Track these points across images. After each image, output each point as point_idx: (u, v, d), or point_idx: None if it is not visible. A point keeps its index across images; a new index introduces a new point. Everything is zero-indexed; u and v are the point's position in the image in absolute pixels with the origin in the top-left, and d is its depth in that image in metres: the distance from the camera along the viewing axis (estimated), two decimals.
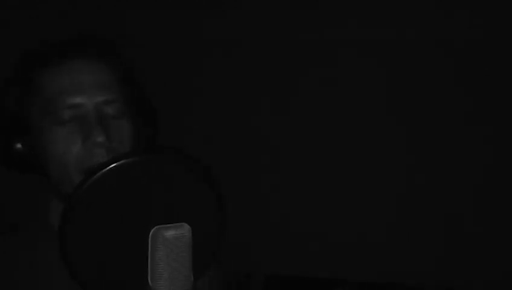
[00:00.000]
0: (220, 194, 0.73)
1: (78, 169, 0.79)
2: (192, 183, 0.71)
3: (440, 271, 1.86)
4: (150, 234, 0.66)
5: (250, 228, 1.92)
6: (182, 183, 0.70)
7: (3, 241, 0.87)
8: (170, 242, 0.66)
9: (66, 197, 0.78)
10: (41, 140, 0.81)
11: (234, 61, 1.96)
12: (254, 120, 1.97)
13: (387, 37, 1.85)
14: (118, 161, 0.66)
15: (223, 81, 1.97)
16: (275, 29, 1.93)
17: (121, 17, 1.95)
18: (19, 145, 0.82)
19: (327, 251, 1.91)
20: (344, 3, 1.87)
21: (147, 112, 0.92)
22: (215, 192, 0.72)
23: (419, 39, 1.83)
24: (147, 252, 0.66)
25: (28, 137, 0.83)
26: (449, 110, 1.84)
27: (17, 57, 0.89)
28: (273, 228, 1.95)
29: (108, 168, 0.66)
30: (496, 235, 1.81)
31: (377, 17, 1.85)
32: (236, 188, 1.87)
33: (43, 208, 0.90)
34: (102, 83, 0.82)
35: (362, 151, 1.91)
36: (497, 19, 1.77)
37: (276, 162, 1.97)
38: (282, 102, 1.95)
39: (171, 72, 1.97)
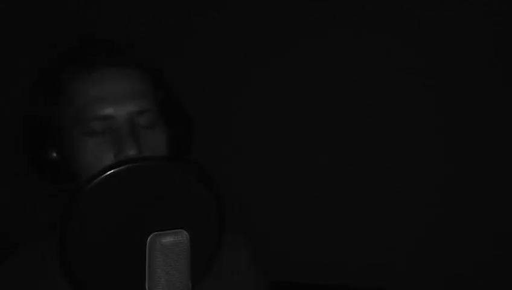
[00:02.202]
0: (218, 200, 0.72)
1: None
2: (191, 190, 0.70)
3: (441, 279, 1.85)
4: (148, 240, 0.66)
5: (251, 234, 1.91)
6: (180, 190, 0.70)
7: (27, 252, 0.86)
8: (168, 249, 0.65)
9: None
10: (73, 150, 0.79)
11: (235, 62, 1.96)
12: (258, 125, 1.97)
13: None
14: (114, 169, 0.66)
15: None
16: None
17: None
18: (54, 154, 0.81)
19: (329, 257, 1.91)
20: None
21: (181, 118, 0.89)
22: (213, 198, 0.72)
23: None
24: (144, 259, 0.66)
25: (60, 146, 0.81)
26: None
27: (41, 61, 0.86)
28: (275, 235, 1.95)
29: (104, 175, 0.66)
30: None
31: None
32: (238, 194, 1.87)
33: None
34: (135, 92, 0.79)
35: (357, 158, 1.91)
36: None
37: (282, 167, 1.97)
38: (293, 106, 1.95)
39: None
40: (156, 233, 0.66)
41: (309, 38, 1.93)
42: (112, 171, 0.66)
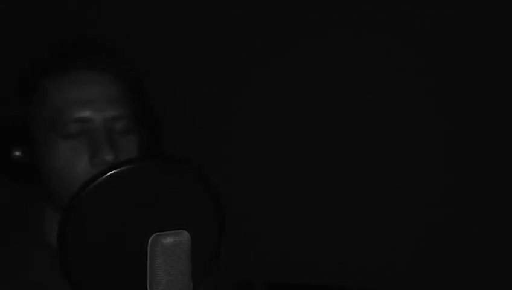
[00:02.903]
0: (218, 201, 0.73)
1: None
2: (191, 190, 0.71)
3: (441, 281, 1.85)
4: (149, 241, 0.66)
5: (251, 235, 1.91)
6: (180, 190, 0.70)
7: None
8: (169, 249, 0.65)
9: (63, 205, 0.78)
10: (44, 151, 0.79)
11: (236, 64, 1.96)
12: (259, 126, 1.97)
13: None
14: (115, 169, 0.66)
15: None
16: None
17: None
18: (17, 153, 0.80)
19: (328, 258, 1.91)
20: None
21: (153, 124, 0.90)
22: (213, 198, 0.72)
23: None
24: (145, 260, 0.66)
25: (29, 146, 0.80)
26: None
27: (20, 61, 0.86)
28: (275, 236, 1.95)
29: (105, 176, 0.66)
30: None
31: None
32: (237, 194, 1.87)
33: (35, 219, 0.87)
34: (112, 97, 0.80)
35: (357, 157, 1.91)
36: None
37: (282, 167, 1.97)
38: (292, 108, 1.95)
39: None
40: (157, 234, 0.66)
41: (309, 38, 1.93)
42: (112, 172, 0.66)
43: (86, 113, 0.77)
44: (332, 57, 1.91)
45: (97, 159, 0.76)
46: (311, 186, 1.94)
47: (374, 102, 1.89)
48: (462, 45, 1.81)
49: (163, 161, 0.74)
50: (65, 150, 0.77)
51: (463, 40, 1.81)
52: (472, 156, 1.84)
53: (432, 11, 1.82)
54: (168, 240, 0.65)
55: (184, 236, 0.66)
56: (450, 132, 1.85)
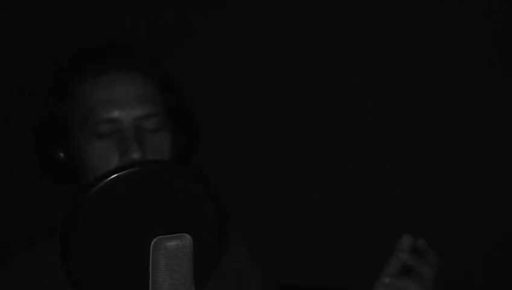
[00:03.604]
0: (220, 204, 0.73)
1: None
2: (193, 193, 0.71)
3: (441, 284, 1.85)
4: (152, 244, 0.66)
5: (257, 237, 1.91)
6: (182, 193, 0.70)
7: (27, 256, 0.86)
8: (171, 252, 0.66)
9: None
10: (80, 151, 0.80)
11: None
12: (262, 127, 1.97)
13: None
14: (116, 174, 0.66)
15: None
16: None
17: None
18: (61, 154, 0.82)
19: (330, 259, 1.91)
20: None
21: (187, 121, 0.90)
22: (215, 201, 0.72)
23: None
24: (148, 262, 0.66)
25: (67, 146, 0.82)
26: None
27: (53, 63, 0.88)
28: (276, 237, 1.95)
29: (109, 178, 0.66)
30: None
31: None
32: (238, 196, 1.87)
33: None
34: (141, 96, 0.81)
35: (357, 157, 1.91)
36: None
37: (282, 167, 1.97)
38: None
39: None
40: (159, 237, 0.66)
41: (309, 38, 1.93)
42: (115, 175, 0.67)
43: (116, 114, 0.79)
44: (332, 57, 1.91)
45: (125, 157, 0.77)
46: (311, 186, 1.94)
47: (374, 102, 1.90)
48: (462, 45, 1.81)
49: (164, 164, 0.75)
50: (97, 150, 0.79)
51: (463, 40, 1.81)
52: (472, 156, 1.84)
53: (432, 11, 1.82)
54: (171, 243, 0.66)
55: (186, 239, 0.66)
56: (450, 132, 1.85)
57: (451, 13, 1.80)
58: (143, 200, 0.68)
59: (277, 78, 1.95)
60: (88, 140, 0.79)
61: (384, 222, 1.89)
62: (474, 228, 1.83)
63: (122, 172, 0.67)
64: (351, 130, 1.92)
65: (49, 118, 0.84)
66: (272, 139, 1.96)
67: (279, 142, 1.96)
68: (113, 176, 0.66)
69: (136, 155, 0.76)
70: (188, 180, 0.71)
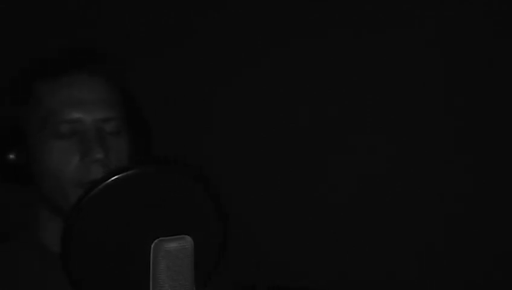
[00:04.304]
0: (221, 205, 0.73)
1: (74, 184, 0.79)
2: (193, 195, 0.71)
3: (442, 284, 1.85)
4: (152, 246, 0.66)
5: (255, 239, 1.91)
6: (182, 194, 0.70)
7: None
8: (172, 254, 0.66)
9: (60, 210, 0.79)
10: (38, 152, 0.81)
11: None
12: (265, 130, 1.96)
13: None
14: (118, 174, 0.67)
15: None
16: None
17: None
18: (12, 156, 0.82)
19: (330, 263, 1.90)
20: None
21: (142, 126, 0.93)
22: (216, 203, 0.72)
23: None
24: (148, 265, 0.66)
25: (23, 148, 0.82)
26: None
27: (16, 62, 0.88)
28: (277, 239, 1.95)
29: (112, 178, 0.66)
30: None
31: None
32: (240, 198, 1.87)
33: (32, 219, 0.89)
34: (102, 99, 0.82)
35: (357, 157, 1.91)
36: None
37: (282, 167, 1.96)
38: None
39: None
40: (160, 239, 0.66)
41: (309, 38, 1.92)
42: (116, 177, 0.67)
43: (77, 115, 0.80)
44: (332, 57, 1.91)
45: (88, 158, 0.78)
46: (312, 187, 1.94)
47: (374, 102, 1.89)
48: (462, 45, 1.81)
49: (167, 163, 0.75)
50: (57, 150, 0.79)
51: (463, 40, 1.81)
52: (472, 156, 1.84)
53: (432, 11, 1.82)
54: (172, 245, 0.66)
55: (187, 241, 0.66)
56: (450, 132, 1.85)
57: (451, 13, 1.80)
58: (143, 201, 0.68)
59: (277, 78, 1.95)
60: (47, 141, 0.80)
61: (385, 225, 1.88)
62: (474, 228, 1.83)
63: (123, 173, 0.67)
64: (351, 130, 1.91)
65: (7, 119, 0.84)
66: (272, 139, 1.96)
67: (279, 142, 1.96)
68: (113, 177, 0.66)
69: (99, 155, 0.78)
70: (188, 181, 0.71)
